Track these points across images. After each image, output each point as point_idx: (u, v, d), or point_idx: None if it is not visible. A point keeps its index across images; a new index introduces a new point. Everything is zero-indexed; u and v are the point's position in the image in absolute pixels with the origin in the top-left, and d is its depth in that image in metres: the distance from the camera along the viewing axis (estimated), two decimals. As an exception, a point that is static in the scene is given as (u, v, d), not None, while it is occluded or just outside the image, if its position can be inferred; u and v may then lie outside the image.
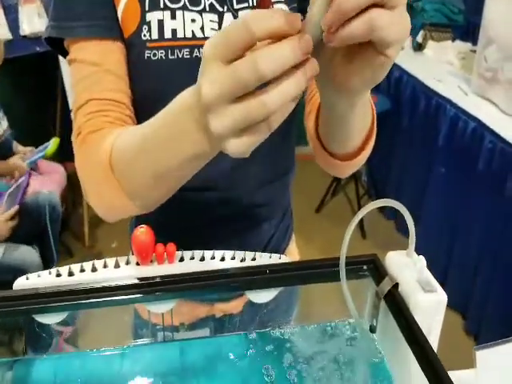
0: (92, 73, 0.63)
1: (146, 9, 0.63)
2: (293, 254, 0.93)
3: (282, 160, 0.81)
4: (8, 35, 2.43)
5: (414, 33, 3.04)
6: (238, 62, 0.35)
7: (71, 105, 0.68)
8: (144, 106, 0.65)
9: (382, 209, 2.88)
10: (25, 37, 2.48)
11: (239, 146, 0.38)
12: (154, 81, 0.65)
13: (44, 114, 2.84)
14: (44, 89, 2.82)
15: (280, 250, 0.87)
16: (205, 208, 0.75)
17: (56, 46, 0.68)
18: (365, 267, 0.61)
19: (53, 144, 2.40)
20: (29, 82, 2.81)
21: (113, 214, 0.66)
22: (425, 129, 2.36)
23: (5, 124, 2.25)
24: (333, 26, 0.36)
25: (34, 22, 2.44)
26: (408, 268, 0.59)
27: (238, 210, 0.77)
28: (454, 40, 2.84)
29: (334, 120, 0.54)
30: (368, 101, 0.52)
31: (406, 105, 2.54)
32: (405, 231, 2.61)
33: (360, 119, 0.54)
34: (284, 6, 0.67)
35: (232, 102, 0.37)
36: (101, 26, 0.63)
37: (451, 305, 2.08)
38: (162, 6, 0.63)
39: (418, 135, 2.43)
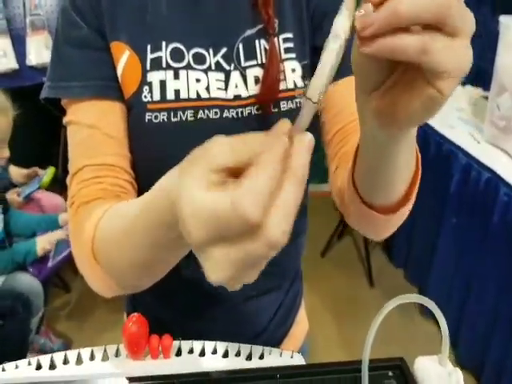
0: (88, 136, 0.60)
1: (148, 68, 0.60)
2: (302, 322, 0.87)
3: (294, 224, 0.72)
4: (14, 65, 2.42)
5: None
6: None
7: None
8: (145, 170, 0.62)
9: (390, 256, 2.80)
10: (31, 67, 2.46)
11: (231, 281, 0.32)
12: (156, 145, 0.61)
13: (47, 144, 2.80)
14: (48, 118, 2.79)
15: (289, 317, 0.82)
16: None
17: (55, 106, 0.64)
18: (390, 373, 0.53)
19: (48, 174, 2.33)
20: (33, 111, 2.78)
21: (104, 293, 0.60)
22: (436, 176, 2.29)
23: (6, 153, 2.18)
24: (373, 29, 0.30)
25: (41, 52, 2.45)
26: (441, 380, 0.50)
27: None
28: (464, 85, 2.81)
29: (375, 157, 0.45)
30: (414, 140, 0.44)
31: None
32: (414, 280, 2.52)
33: (404, 158, 0.45)
34: (295, 62, 0.64)
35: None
36: (97, 86, 0.60)
37: (464, 364, 1.97)
38: (164, 65, 0.60)
39: (429, 182, 2.36)
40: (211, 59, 0.62)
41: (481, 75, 2.83)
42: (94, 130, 0.60)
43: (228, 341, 0.66)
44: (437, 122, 2.37)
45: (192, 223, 0.30)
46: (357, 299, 2.49)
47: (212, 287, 0.34)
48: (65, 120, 0.63)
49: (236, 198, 0.28)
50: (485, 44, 2.87)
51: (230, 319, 0.73)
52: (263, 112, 0.62)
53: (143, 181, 0.62)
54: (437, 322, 0.52)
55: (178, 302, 0.74)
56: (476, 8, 2.93)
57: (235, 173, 0.31)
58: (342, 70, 0.58)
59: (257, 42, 0.63)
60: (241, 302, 0.73)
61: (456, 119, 2.44)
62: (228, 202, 0.29)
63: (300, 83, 0.65)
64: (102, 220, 0.54)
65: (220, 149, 0.31)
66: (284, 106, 0.63)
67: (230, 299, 0.72)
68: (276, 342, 0.79)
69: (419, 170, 0.51)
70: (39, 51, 2.44)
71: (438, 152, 2.29)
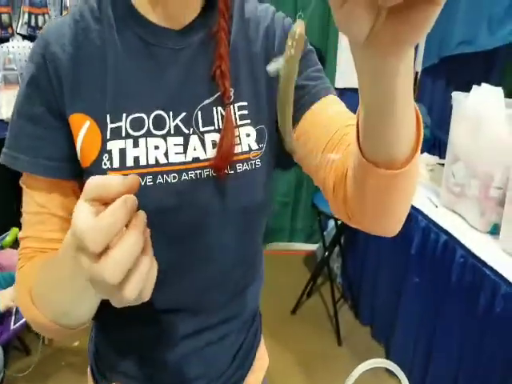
0: (38, 213, 0.66)
1: (107, 137, 0.63)
2: (262, 358, 0.91)
3: (251, 268, 0.80)
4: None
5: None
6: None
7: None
8: None
9: (357, 314, 2.89)
10: (1, 121, 2.48)
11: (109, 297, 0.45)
12: None
13: (10, 202, 2.80)
14: (11, 177, 2.79)
15: (251, 353, 0.86)
16: (171, 327, 0.74)
17: None
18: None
19: (11, 234, 2.36)
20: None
21: (44, 332, 0.67)
22: (398, 237, 2.42)
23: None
24: None
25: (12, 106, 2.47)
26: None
27: (206, 325, 0.76)
28: (422, 152, 3.00)
29: (377, 110, 0.44)
30: (411, 89, 0.43)
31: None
32: (380, 338, 2.61)
33: (404, 107, 0.43)
34: (250, 127, 0.69)
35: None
36: (45, 166, 0.64)
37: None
38: (123, 134, 0.63)
39: (392, 242, 2.50)
40: (171, 123, 0.65)
41: (437, 144, 3.07)
42: (43, 208, 0.66)
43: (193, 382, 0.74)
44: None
45: (72, 234, 0.45)
46: (326, 357, 2.54)
47: (179, 326, 0.49)
48: (21, 180, 0.68)
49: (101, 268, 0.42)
50: (440, 116, 3.13)
51: (194, 363, 0.75)
52: (218, 175, 0.66)
53: None
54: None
55: (141, 355, 0.76)
56: (432, 84, 3.20)
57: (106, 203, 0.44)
58: (301, 105, 0.67)
59: (214, 109, 0.67)
60: (203, 346, 0.75)
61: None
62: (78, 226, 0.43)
63: (255, 146, 0.69)
64: (35, 272, 0.63)
65: (88, 184, 0.45)
66: (240, 167, 0.67)
67: (190, 344, 0.74)
68: (239, 378, 0.83)
69: (421, 132, 0.47)
70: (11, 104, 2.49)
71: (399, 215, 2.44)
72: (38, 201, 0.65)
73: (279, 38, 0.71)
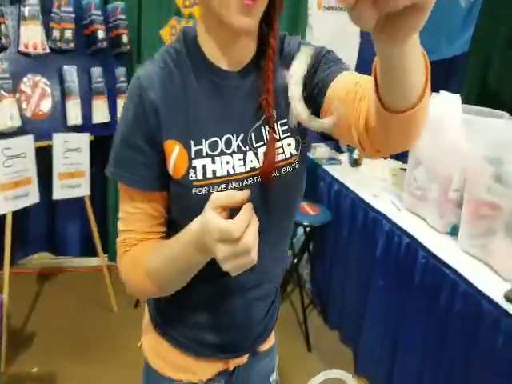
0: (137, 213, 0.88)
1: (192, 157, 0.84)
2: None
3: (286, 246, 1.04)
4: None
5: (350, 150, 3.29)
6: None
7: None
8: (184, 224, 0.84)
9: (326, 319, 2.91)
10: None
11: (234, 269, 0.71)
12: (199, 210, 0.78)
13: None
14: None
15: (274, 317, 1.11)
16: (234, 282, 0.95)
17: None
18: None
19: None
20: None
21: (144, 297, 1.04)
22: (363, 241, 2.48)
23: None
24: None
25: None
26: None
27: (258, 283, 0.98)
28: (386, 158, 3.09)
29: (392, 69, 0.56)
30: (418, 49, 0.55)
31: (346, 217, 2.68)
32: (349, 341, 2.64)
33: (413, 64, 0.56)
34: (290, 139, 0.89)
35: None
36: (140, 182, 0.85)
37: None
38: (204, 154, 0.84)
39: (358, 246, 2.55)
40: (234, 143, 0.86)
41: (400, 150, 3.13)
42: (141, 210, 0.87)
43: (237, 330, 1.00)
44: (363, 192, 2.59)
45: (209, 233, 0.71)
46: (296, 363, 2.55)
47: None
48: (109, 173, 0.87)
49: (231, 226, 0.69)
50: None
51: (248, 312, 1.00)
52: (266, 178, 0.87)
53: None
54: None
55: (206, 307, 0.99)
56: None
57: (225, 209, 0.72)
58: (328, 75, 0.84)
59: (263, 128, 0.88)
60: (254, 300, 0.99)
61: (379, 189, 2.68)
62: (226, 227, 0.69)
63: (294, 152, 0.90)
64: (152, 254, 0.86)
65: (215, 198, 0.73)
66: (284, 170, 0.88)
67: (248, 296, 0.97)
68: (267, 332, 1.10)
69: (429, 76, 0.60)
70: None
71: (365, 219, 2.49)
72: (136, 205, 0.87)
73: None
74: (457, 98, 2.14)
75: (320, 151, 3.37)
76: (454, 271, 1.80)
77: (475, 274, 1.76)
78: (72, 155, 2.66)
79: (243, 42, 0.86)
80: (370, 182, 2.85)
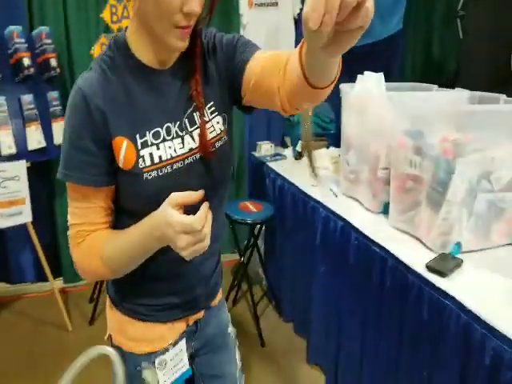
0: (89, 207, 0.98)
1: (139, 148, 0.96)
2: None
3: (223, 212, 1.21)
4: None
5: (294, 143, 3.28)
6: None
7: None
8: (138, 207, 0.98)
9: (280, 312, 2.89)
10: None
11: (192, 253, 0.88)
12: (149, 191, 0.96)
13: None
14: None
15: (221, 274, 1.27)
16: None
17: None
18: None
19: None
20: None
21: (96, 279, 1.20)
22: (305, 230, 2.47)
23: None
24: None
25: None
26: None
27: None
28: (328, 147, 3.09)
29: (321, 66, 0.75)
30: (339, 58, 0.75)
31: (289, 210, 2.67)
32: (302, 331, 2.62)
33: (334, 65, 0.76)
34: (218, 117, 1.04)
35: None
36: (92, 180, 0.95)
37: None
38: (149, 144, 0.96)
39: (301, 237, 2.54)
40: (173, 130, 0.99)
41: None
42: (93, 203, 0.98)
43: (193, 289, 1.14)
44: (303, 183, 2.58)
45: (172, 227, 0.86)
46: (249, 359, 2.52)
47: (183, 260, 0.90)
48: (68, 189, 0.97)
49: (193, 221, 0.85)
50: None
51: (194, 274, 1.13)
52: (206, 155, 1.01)
53: (139, 211, 0.96)
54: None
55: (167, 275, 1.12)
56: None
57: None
58: (242, 63, 0.99)
59: (194, 114, 1.01)
60: (202, 262, 1.13)
61: (321, 178, 2.67)
62: (189, 221, 0.85)
63: (222, 128, 1.05)
64: (107, 241, 0.98)
65: (174, 197, 0.89)
66: (217, 144, 1.03)
67: (194, 261, 1.04)
68: (218, 286, 1.25)
69: (339, 70, 0.80)
70: None
71: (304, 209, 2.48)
72: (89, 200, 0.97)
73: (220, 49, 1.04)
74: (380, 76, 2.15)
75: (264, 148, 3.36)
76: (382, 248, 1.79)
77: (403, 249, 1.75)
78: (9, 184, 2.62)
79: (173, 52, 1.00)
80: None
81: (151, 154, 0.96)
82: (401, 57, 3.74)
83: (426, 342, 1.56)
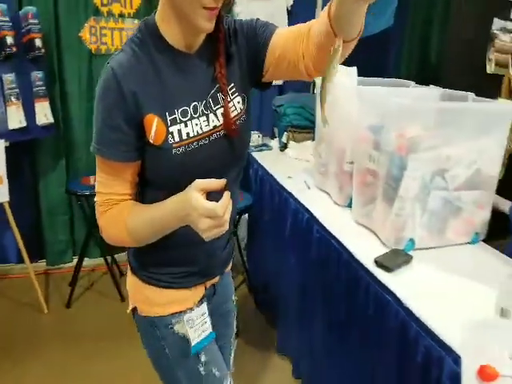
0: (116, 178, 1.05)
1: (169, 125, 1.02)
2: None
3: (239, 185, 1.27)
4: None
5: (279, 135, 3.28)
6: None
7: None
8: (168, 179, 1.06)
9: (257, 302, 2.91)
10: None
11: (211, 236, 0.96)
12: (179, 165, 1.03)
13: None
14: None
15: (232, 248, 1.36)
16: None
17: None
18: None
19: None
20: None
21: (119, 245, 1.12)
22: (278, 221, 2.48)
23: None
24: None
25: None
26: None
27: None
28: (313, 139, 3.08)
29: (349, 16, 0.87)
30: (364, 12, 0.88)
31: (267, 201, 2.68)
32: (274, 323, 2.64)
33: (360, 17, 0.88)
34: (238, 97, 1.12)
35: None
36: (122, 156, 1.02)
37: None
38: (178, 121, 1.03)
39: (275, 228, 2.55)
40: (199, 108, 1.05)
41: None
42: (119, 175, 1.05)
43: (210, 258, 1.24)
44: (281, 174, 2.59)
45: (197, 210, 0.94)
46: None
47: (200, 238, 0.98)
48: (94, 150, 1.03)
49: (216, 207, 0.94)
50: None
51: (211, 245, 1.14)
52: (229, 132, 1.09)
53: (165, 184, 1.06)
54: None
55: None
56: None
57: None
58: (265, 38, 1.09)
59: (218, 94, 1.08)
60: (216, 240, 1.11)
61: (300, 170, 2.67)
62: (213, 207, 0.93)
63: (242, 107, 1.13)
64: (132, 213, 1.05)
65: (198, 182, 0.97)
66: (239, 122, 1.11)
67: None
68: (230, 255, 1.36)
69: (363, 24, 0.92)
70: None
71: (279, 200, 2.49)
72: (117, 173, 1.04)
73: (241, 32, 1.11)
74: (353, 70, 2.14)
75: (252, 139, 3.36)
76: (339, 242, 1.80)
77: (359, 243, 1.75)
78: (-14, 163, 2.62)
79: (200, 34, 1.05)
80: (295, 164, 2.85)
81: (180, 131, 1.02)
82: (395, 54, 3.70)
83: (372, 336, 1.57)
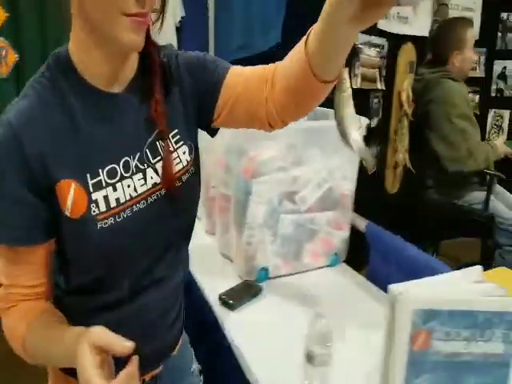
0: (17, 266, 0.81)
1: (91, 191, 0.78)
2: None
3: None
4: None
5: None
6: None
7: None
8: (92, 263, 0.83)
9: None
10: None
11: None
12: (106, 244, 0.79)
13: None
14: None
15: (180, 327, 1.05)
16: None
17: None
18: None
19: None
20: None
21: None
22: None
23: None
24: None
25: None
26: None
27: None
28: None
29: (334, 47, 0.72)
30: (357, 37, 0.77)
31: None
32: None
33: (347, 48, 0.72)
34: (184, 147, 0.89)
35: None
36: (22, 238, 0.79)
37: None
38: (104, 184, 0.79)
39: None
40: (132, 164, 0.83)
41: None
42: (22, 265, 0.82)
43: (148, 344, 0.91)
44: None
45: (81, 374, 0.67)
46: None
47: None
48: None
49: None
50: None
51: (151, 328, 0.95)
52: (169, 190, 0.85)
53: (89, 268, 0.84)
54: None
55: None
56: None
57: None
58: (216, 80, 0.89)
59: (157, 143, 0.86)
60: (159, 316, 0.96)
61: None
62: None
63: (189, 158, 0.90)
64: (30, 329, 0.81)
65: (95, 336, 0.69)
66: (184, 178, 0.88)
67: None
68: (177, 337, 1.05)
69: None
70: None
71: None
72: (18, 257, 0.80)
73: (185, 70, 0.90)
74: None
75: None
76: (189, 274, 1.66)
77: (213, 278, 1.61)
78: None
79: (127, 61, 0.83)
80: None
81: (106, 197, 0.79)
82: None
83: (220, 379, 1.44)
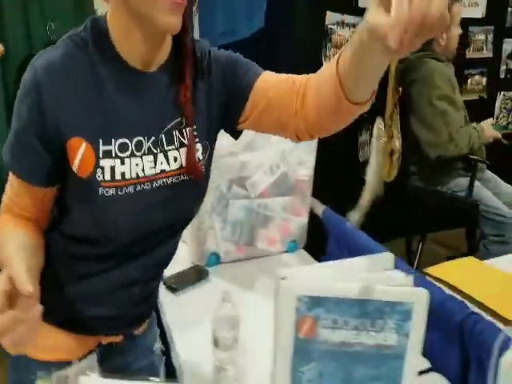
0: (19, 195, 0.84)
1: (100, 156, 0.79)
2: None
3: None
4: None
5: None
6: None
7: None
8: (87, 228, 0.86)
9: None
10: None
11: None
12: (104, 211, 0.81)
13: None
14: None
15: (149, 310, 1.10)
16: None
17: None
18: None
19: None
20: None
21: None
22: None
23: None
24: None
25: None
26: None
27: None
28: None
29: (368, 72, 0.71)
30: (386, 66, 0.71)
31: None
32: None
33: (381, 72, 0.71)
34: (198, 145, 0.88)
35: None
36: (28, 176, 0.81)
37: None
38: (113, 155, 0.80)
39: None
40: (145, 145, 0.83)
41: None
42: (22, 195, 0.84)
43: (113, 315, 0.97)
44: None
45: None
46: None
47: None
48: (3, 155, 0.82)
49: None
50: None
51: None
52: (195, 176, 0.88)
53: (81, 234, 0.87)
54: None
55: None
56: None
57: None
58: (250, 75, 0.89)
59: (174, 132, 0.85)
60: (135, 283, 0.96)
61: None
62: None
63: (201, 157, 0.89)
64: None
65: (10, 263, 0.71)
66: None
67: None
68: (144, 318, 1.08)
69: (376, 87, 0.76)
70: None
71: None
72: (22, 189, 0.83)
73: (217, 70, 0.89)
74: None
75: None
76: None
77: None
78: None
79: (163, 43, 0.83)
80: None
81: (113, 168, 0.79)
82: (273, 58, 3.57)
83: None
